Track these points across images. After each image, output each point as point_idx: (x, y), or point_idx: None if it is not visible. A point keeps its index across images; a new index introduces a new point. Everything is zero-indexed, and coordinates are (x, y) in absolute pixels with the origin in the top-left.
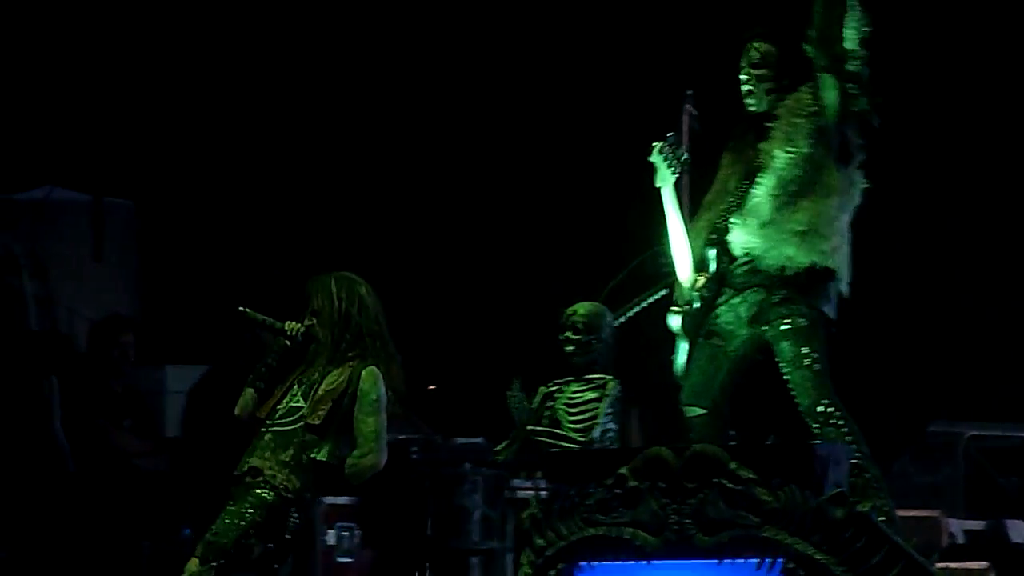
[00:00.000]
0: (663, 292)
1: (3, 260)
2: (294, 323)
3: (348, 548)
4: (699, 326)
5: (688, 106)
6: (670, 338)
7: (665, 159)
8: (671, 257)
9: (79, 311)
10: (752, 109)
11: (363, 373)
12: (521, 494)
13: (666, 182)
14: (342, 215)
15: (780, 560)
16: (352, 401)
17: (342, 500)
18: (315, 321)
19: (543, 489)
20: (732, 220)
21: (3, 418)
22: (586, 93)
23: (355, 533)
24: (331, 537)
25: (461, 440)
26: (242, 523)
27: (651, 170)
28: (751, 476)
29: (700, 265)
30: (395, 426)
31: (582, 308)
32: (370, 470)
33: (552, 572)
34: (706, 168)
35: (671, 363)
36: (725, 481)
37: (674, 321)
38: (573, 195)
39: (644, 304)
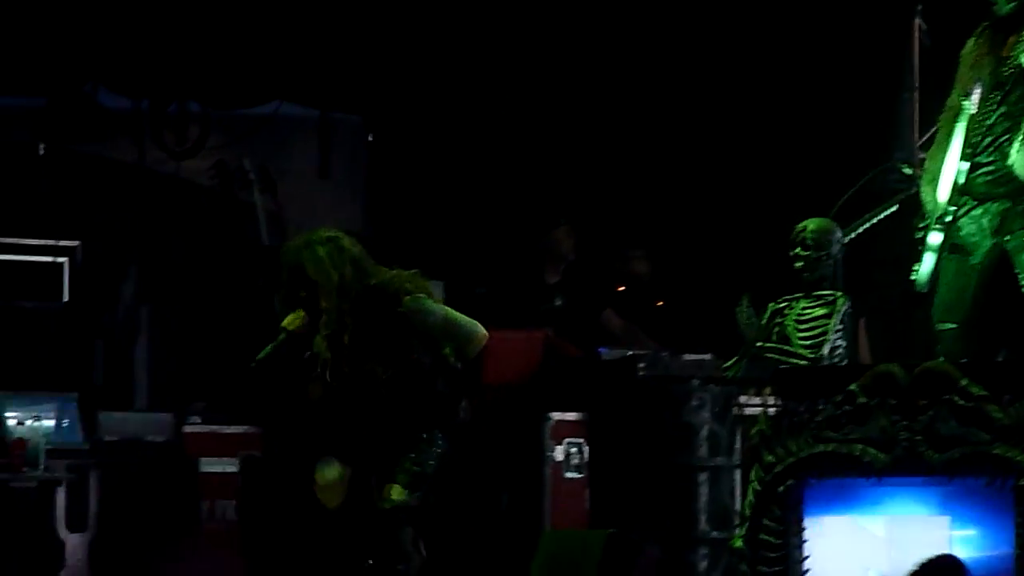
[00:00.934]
0: (893, 208)
1: (234, 175)
2: (291, 317)
3: (576, 464)
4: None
5: (918, 20)
6: (902, 253)
7: None
8: (922, 172)
9: (307, 227)
10: (1002, 12)
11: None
12: (749, 410)
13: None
14: (571, 132)
15: (1011, 478)
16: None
17: (570, 416)
18: (314, 294)
19: (772, 405)
20: (981, 133)
21: (244, 330)
22: (813, 5)
23: (583, 449)
24: (559, 453)
25: (689, 356)
26: (437, 451)
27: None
28: (982, 393)
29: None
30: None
31: (812, 224)
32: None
33: (780, 488)
34: (938, 84)
35: (904, 278)
36: (956, 398)
37: (934, 238)
38: (803, 111)
39: (874, 220)
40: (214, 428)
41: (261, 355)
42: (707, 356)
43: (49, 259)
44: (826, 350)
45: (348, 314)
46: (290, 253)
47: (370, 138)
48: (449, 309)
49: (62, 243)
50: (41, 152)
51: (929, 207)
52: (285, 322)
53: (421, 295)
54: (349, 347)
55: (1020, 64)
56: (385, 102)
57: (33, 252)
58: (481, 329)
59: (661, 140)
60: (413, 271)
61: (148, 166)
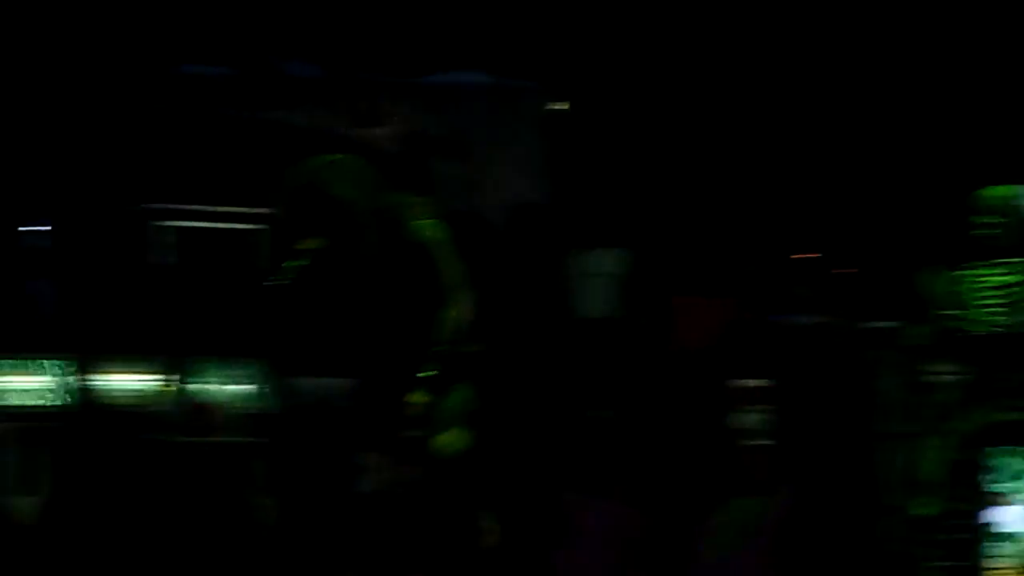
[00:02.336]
0: None
1: (420, 143)
2: (309, 241)
3: (760, 431)
4: None
5: None
6: None
7: None
8: None
9: (489, 195)
10: None
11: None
12: (937, 378)
13: None
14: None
15: None
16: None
17: (757, 383)
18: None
19: (960, 373)
20: None
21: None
22: None
23: (768, 415)
24: (743, 419)
25: (877, 324)
26: None
27: None
28: None
29: None
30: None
31: (1002, 190)
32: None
33: (969, 456)
34: None
35: None
36: None
37: None
38: (987, 75)
39: None
40: None
41: (278, 277)
42: (895, 323)
43: (238, 226)
44: (1017, 318)
45: (360, 234)
46: (298, 177)
47: (549, 107)
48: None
49: (255, 210)
50: (232, 120)
51: None
52: (301, 244)
53: (434, 221)
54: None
55: None
56: (565, 69)
57: (227, 219)
58: (469, 306)
59: (842, 105)
60: (424, 198)
61: (333, 134)
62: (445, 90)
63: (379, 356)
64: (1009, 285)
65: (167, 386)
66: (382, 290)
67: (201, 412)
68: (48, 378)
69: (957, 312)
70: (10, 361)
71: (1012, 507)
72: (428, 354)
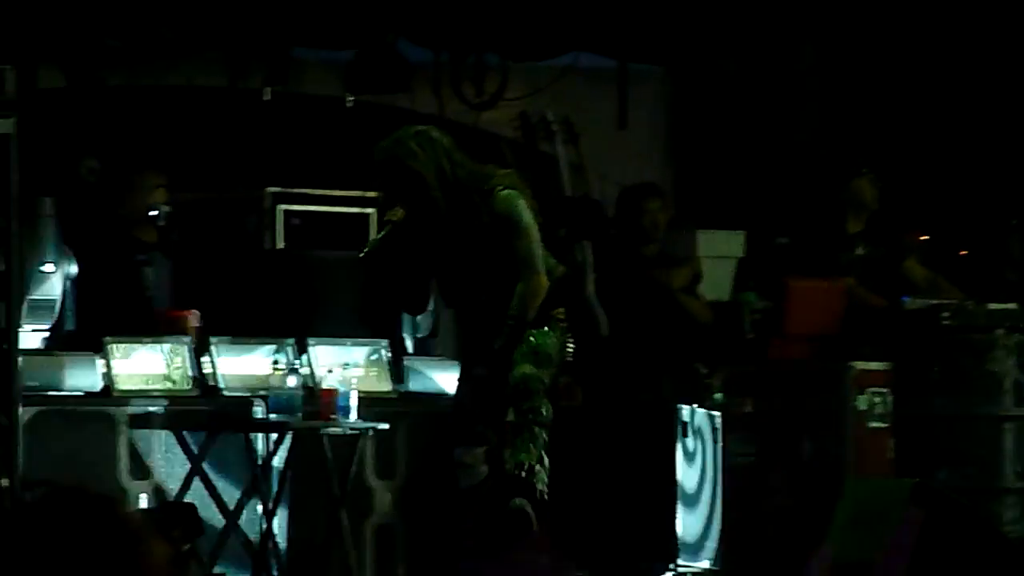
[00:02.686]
0: None
1: (537, 126)
2: (394, 212)
3: (880, 414)
4: None
5: None
6: None
7: None
8: None
9: (609, 177)
10: None
11: (499, 196)
12: None
13: None
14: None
15: None
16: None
17: (874, 365)
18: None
19: None
20: None
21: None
22: None
23: (887, 398)
24: (862, 402)
25: (994, 306)
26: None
27: None
28: None
29: None
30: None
31: None
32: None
33: None
34: None
35: None
36: None
37: None
38: None
39: None
40: None
41: (368, 247)
42: (1012, 305)
43: (356, 210)
44: None
45: (443, 204)
46: (383, 150)
47: (670, 89)
48: (535, 241)
49: (369, 194)
50: (348, 104)
51: None
52: (388, 215)
53: (514, 193)
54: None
55: None
56: (685, 52)
57: (340, 203)
58: (542, 282)
59: (960, 87)
60: (509, 170)
61: (449, 118)
62: (560, 72)
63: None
64: None
65: (288, 369)
66: (460, 262)
67: (321, 395)
68: (172, 360)
69: None
70: (135, 343)
71: None
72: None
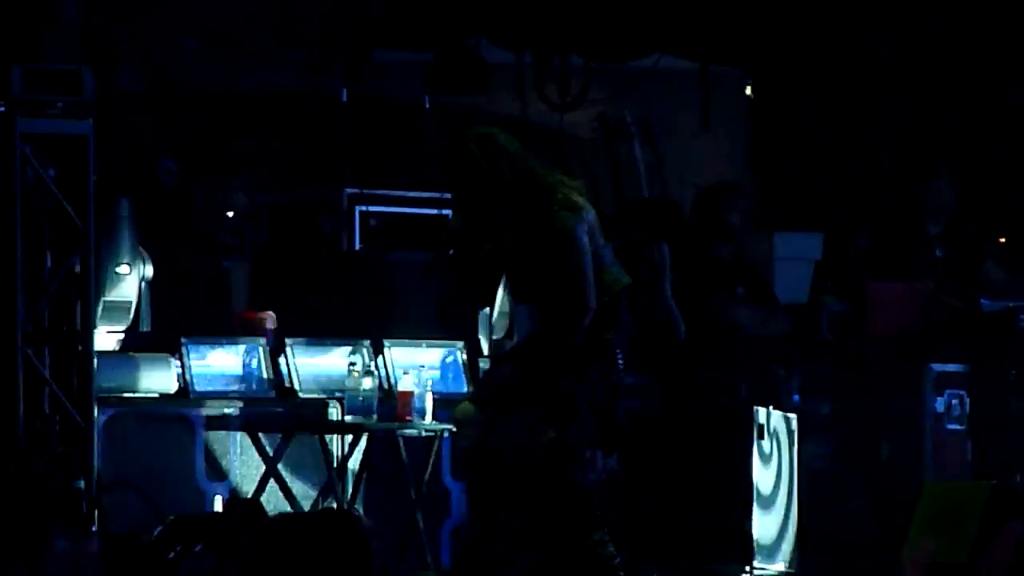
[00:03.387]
0: None
1: (616, 128)
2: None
3: (958, 416)
4: None
5: None
6: None
7: None
8: None
9: (688, 178)
10: None
11: (558, 217)
12: None
13: None
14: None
15: None
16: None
17: (952, 367)
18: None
19: None
20: None
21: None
22: None
23: (965, 400)
24: (940, 404)
25: None
26: None
27: None
28: None
29: None
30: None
31: None
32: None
33: None
34: None
35: None
36: None
37: None
38: None
39: None
40: None
41: (435, 260)
42: None
43: (434, 211)
44: None
45: (503, 214)
46: (445, 153)
47: (749, 91)
48: (587, 261)
49: (446, 196)
50: (427, 106)
51: None
52: (450, 223)
53: (571, 216)
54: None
55: None
56: (765, 54)
57: (417, 204)
58: (587, 305)
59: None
60: (578, 181)
61: (530, 119)
62: (641, 74)
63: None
64: None
65: (364, 371)
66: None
67: (397, 397)
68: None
69: None
70: (211, 345)
71: None
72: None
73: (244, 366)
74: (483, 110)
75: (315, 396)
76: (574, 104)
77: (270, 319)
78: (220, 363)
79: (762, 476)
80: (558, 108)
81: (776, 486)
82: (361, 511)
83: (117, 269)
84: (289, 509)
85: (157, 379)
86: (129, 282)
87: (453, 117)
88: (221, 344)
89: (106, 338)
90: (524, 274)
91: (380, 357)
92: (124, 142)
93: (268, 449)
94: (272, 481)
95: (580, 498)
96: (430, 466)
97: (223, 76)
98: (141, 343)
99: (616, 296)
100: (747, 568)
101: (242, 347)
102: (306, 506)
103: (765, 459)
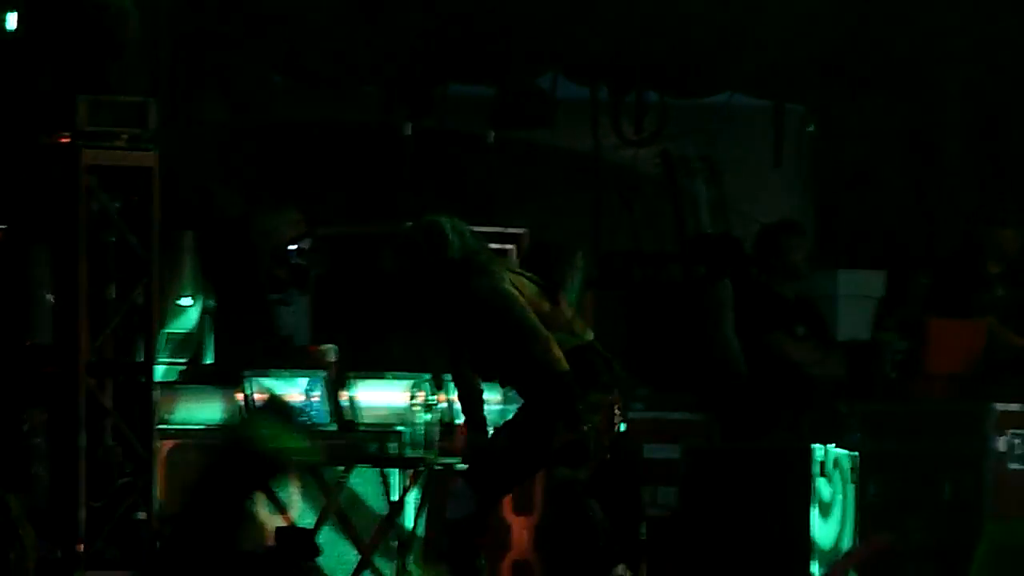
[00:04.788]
0: None
1: (679, 164)
2: None
3: (1020, 455)
4: None
5: None
6: None
7: None
8: None
9: (752, 215)
10: None
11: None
12: None
13: None
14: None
15: None
16: None
17: (1014, 407)
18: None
19: None
20: None
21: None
22: None
23: None
24: (1002, 443)
25: None
26: None
27: None
28: None
29: None
30: None
31: None
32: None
33: None
34: None
35: None
36: None
37: None
38: None
39: None
40: (658, 414)
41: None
42: None
43: (497, 246)
44: None
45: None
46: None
47: (811, 128)
48: (524, 306)
49: (510, 230)
50: (490, 140)
51: None
52: None
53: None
54: None
55: None
56: (830, 91)
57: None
58: (547, 336)
59: None
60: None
61: (596, 154)
62: (711, 110)
63: None
64: None
65: (425, 405)
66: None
67: (457, 431)
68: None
69: None
70: (272, 377)
71: None
72: None
73: (305, 398)
74: (547, 144)
75: (376, 429)
76: (650, 140)
77: (332, 352)
78: (281, 395)
79: (821, 513)
80: (633, 144)
81: (837, 524)
82: (422, 545)
83: (180, 301)
84: (348, 542)
85: (218, 411)
86: (191, 314)
87: (517, 151)
88: (282, 376)
89: (168, 370)
90: (482, 350)
91: (441, 391)
92: (188, 174)
93: (329, 482)
94: (332, 514)
95: (598, 532)
96: None
97: (291, 108)
98: (203, 375)
99: (579, 351)
100: None
101: (304, 380)
102: (366, 539)
103: (825, 497)
